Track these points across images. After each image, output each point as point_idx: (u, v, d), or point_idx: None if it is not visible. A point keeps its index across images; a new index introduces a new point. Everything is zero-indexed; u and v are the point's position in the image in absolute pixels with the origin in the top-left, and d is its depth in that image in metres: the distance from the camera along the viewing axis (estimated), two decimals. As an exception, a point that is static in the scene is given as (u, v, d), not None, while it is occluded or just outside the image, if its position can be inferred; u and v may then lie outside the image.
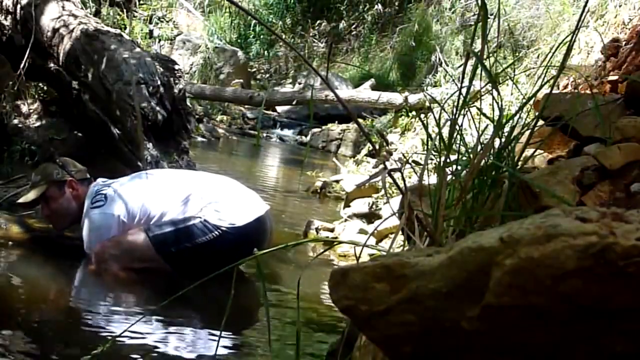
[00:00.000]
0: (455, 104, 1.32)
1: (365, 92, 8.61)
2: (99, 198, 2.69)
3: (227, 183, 2.87)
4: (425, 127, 1.48)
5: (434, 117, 1.42)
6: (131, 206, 2.65)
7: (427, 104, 6.03)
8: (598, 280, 0.66)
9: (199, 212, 2.65)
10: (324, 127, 8.96)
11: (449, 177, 1.35)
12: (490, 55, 1.51)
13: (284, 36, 12.74)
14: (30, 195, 2.75)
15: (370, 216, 4.03)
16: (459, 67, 7.68)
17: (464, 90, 1.31)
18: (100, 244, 2.62)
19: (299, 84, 11.00)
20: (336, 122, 8.96)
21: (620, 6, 4.24)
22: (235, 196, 2.78)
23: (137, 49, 3.72)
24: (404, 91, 8.25)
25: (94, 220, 2.65)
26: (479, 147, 1.36)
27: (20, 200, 2.82)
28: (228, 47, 11.44)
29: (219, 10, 12.97)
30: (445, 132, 1.34)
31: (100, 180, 2.86)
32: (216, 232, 2.62)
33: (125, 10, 6.76)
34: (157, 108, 3.41)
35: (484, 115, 1.43)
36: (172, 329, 2.27)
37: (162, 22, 10.97)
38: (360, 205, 4.30)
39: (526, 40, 6.12)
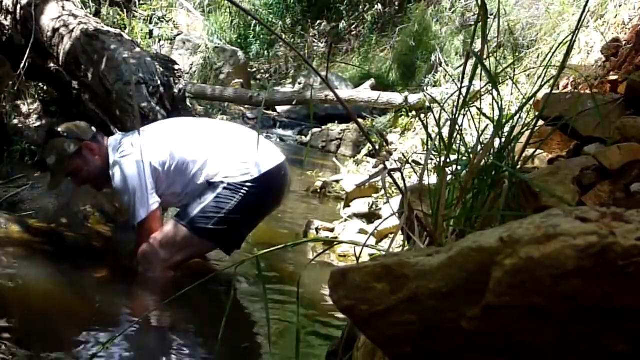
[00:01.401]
0: (455, 104, 1.32)
1: (365, 92, 8.60)
2: (126, 147, 2.65)
3: (242, 132, 2.85)
4: (425, 127, 1.48)
5: (434, 117, 1.42)
6: (159, 152, 2.62)
7: (427, 104, 6.03)
8: (598, 280, 0.66)
9: (221, 171, 2.62)
10: (324, 127, 8.95)
11: (449, 177, 1.35)
12: (490, 55, 1.51)
13: (284, 36, 12.74)
14: (57, 180, 2.73)
15: (370, 216, 4.03)
16: (459, 67, 7.67)
17: (464, 90, 1.31)
18: (139, 247, 2.62)
19: (299, 84, 10.99)
20: (336, 122, 8.95)
21: (620, 6, 4.23)
22: (253, 145, 2.73)
23: (137, 49, 3.72)
24: (404, 91, 8.24)
25: (126, 169, 2.59)
26: (479, 147, 1.36)
27: (51, 187, 2.80)
28: (228, 47, 11.44)
29: (219, 10, 12.96)
30: (445, 132, 1.34)
31: (117, 135, 2.83)
32: (242, 192, 2.61)
33: (125, 10, 6.75)
34: (157, 108, 3.41)
35: (484, 115, 1.43)
36: (172, 329, 2.27)
37: (162, 22, 10.96)
38: (360, 205, 4.30)
39: (526, 40, 6.12)
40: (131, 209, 2.61)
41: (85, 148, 2.71)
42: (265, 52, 13.51)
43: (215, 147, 2.69)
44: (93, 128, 2.83)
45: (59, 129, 2.75)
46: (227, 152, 2.67)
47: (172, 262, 2.61)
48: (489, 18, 1.34)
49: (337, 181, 5.38)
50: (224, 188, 2.61)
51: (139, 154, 2.58)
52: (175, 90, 3.66)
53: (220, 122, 2.99)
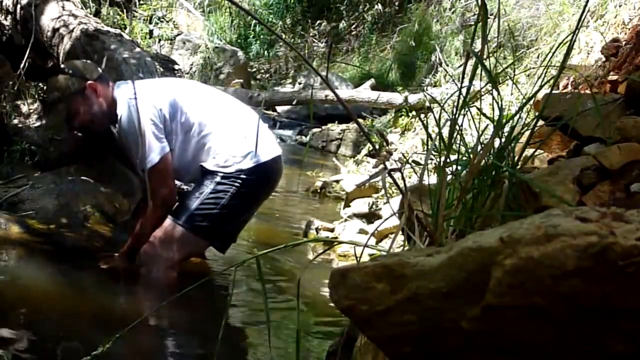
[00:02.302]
0: (455, 104, 1.32)
1: (365, 92, 8.60)
2: (137, 91, 2.51)
3: (245, 112, 2.76)
4: (425, 127, 1.48)
5: (434, 117, 1.43)
6: (169, 102, 2.54)
7: (427, 104, 6.03)
8: (598, 280, 0.66)
9: (220, 152, 2.58)
10: (324, 127, 8.95)
11: (449, 177, 1.35)
12: (490, 55, 1.51)
13: (284, 36, 12.74)
14: (56, 119, 2.60)
15: (370, 216, 4.03)
16: (459, 67, 7.67)
17: (464, 90, 1.31)
18: (154, 192, 2.49)
19: (299, 84, 10.99)
20: (336, 122, 8.95)
21: (620, 6, 4.23)
22: (254, 129, 2.68)
23: (137, 49, 3.72)
24: (404, 91, 8.24)
25: (138, 112, 2.43)
26: (479, 147, 1.36)
27: (49, 127, 2.64)
28: (228, 47, 11.43)
29: (219, 10, 12.96)
30: (445, 132, 1.34)
31: (128, 81, 2.73)
32: (237, 183, 2.58)
33: (125, 10, 6.75)
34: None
35: (484, 115, 1.42)
36: (171, 329, 2.27)
37: (162, 22, 10.96)
38: (360, 205, 4.30)
39: (526, 40, 6.12)
40: (142, 153, 2.46)
41: (89, 88, 2.55)
42: (265, 52, 13.51)
43: (221, 121, 2.62)
44: (99, 69, 2.70)
45: (63, 66, 2.59)
46: (230, 131, 2.61)
47: (173, 262, 2.61)
48: (489, 18, 1.34)
49: (337, 181, 5.38)
50: (219, 181, 2.56)
51: (152, 99, 2.48)
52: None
53: (226, 95, 2.86)
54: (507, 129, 1.41)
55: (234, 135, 2.61)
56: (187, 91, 2.67)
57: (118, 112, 2.51)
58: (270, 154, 2.67)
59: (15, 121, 3.69)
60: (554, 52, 1.72)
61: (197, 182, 2.61)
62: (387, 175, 1.29)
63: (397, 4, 12.72)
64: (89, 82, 2.56)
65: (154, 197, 2.48)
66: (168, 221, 2.60)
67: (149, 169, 2.48)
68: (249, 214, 2.80)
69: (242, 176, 2.58)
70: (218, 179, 2.57)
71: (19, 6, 3.92)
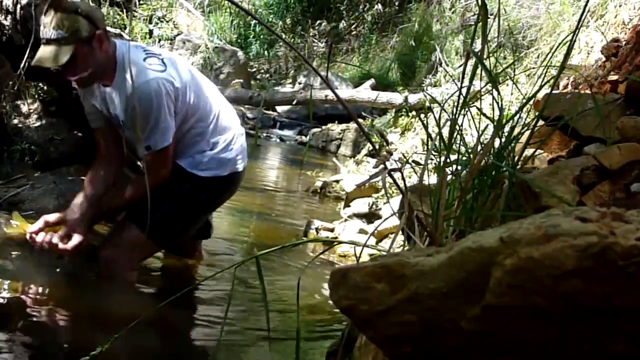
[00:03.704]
0: (455, 104, 1.32)
1: (365, 92, 8.61)
2: (156, 61, 2.33)
3: (230, 110, 2.66)
4: (425, 127, 1.49)
5: (434, 117, 1.43)
6: (184, 83, 2.38)
7: (427, 104, 6.03)
8: (598, 280, 0.66)
9: (198, 156, 2.46)
10: (324, 127, 8.95)
11: (449, 177, 1.35)
12: (490, 55, 1.51)
13: (284, 36, 12.74)
14: (62, 57, 2.25)
15: (370, 216, 4.03)
16: (459, 67, 7.67)
17: (464, 90, 1.31)
18: (156, 174, 2.33)
19: (299, 84, 11.00)
20: (336, 122, 8.96)
21: (620, 6, 4.24)
22: (238, 137, 2.59)
23: (137, 49, 3.72)
24: (404, 91, 8.25)
25: (159, 86, 2.25)
26: (479, 147, 1.36)
27: (47, 64, 2.28)
28: (228, 47, 11.45)
29: (219, 10, 12.97)
30: (445, 132, 1.34)
31: (132, 43, 2.55)
32: (208, 190, 2.47)
33: (125, 10, 6.75)
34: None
35: (484, 115, 1.43)
36: (171, 329, 2.27)
37: (162, 22, 10.96)
38: (360, 205, 4.30)
39: (526, 40, 6.12)
40: (153, 130, 2.29)
41: (97, 38, 2.33)
42: (265, 52, 13.52)
43: (214, 124, 2.52)
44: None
45: (77, 7, 2.34)
46: (219, 135, 2.52)
47: (132, 266, 2.53)
48: (489, 18, 1.34)
49: (337, 181, 5.38)
50: (192, 186, 2.44)
51: (171, 73, 2.32)
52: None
53: (220, 94, 2.70)
54: (507, 129, 1.41)
55: (221, 140, 2.53)
56: (197, 81, 2.52)
57: (135, 78, 2.27)
58: (244, 163, 2.60)
59: (15, 121, 3.69)
60: (554, 52, 1.72)
61: (167, 187, 2.40)
62: (387, 175, 1.29)
63: (397, 4, 12.73)
64: (98, 31, 2.35)
65: (154, 176, 2.32)
66: (133, 229, 2.44)
67: (160, 149, 2.33)
68: (204, 219, 2.70)
69: (215, 184, 2.49)
70: (191, 183, 2.45)
71: (19, 6, 3.92)
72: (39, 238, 2.35)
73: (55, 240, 2.34)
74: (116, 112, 2.41)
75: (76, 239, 2.35)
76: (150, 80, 2.25)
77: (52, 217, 2.39)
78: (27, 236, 2.37)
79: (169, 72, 2.31)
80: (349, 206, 4.42)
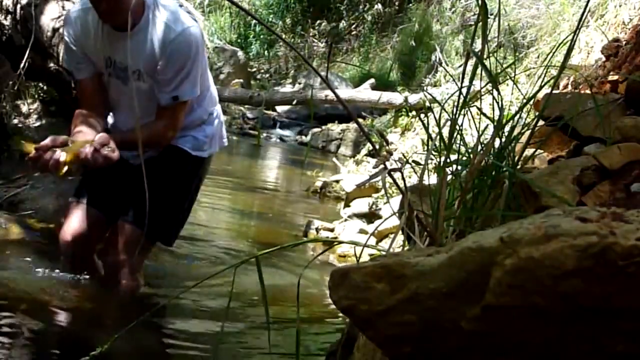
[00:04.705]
0: (455, 104, 1.32)
1: (365, 92, 8.61)
2: (190, 17, 2.22)
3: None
4: (425, 127, 1.48)
5: (434, 117, 1.43)
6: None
7: (427, 104, 6.03)
8: (598, 280, 0.66)
9: (200, 133, 2.35)
10: (324, 127, 8.96)
11: (449, 177, 1.35)
12: (491, 55, 1.51)
13: (284, 36, 12.74)
14: None
15: (370, 216, 4.03)
16: (459, 67, 7.67)
17: (464, 90, 1.31)
18: (171, 125, 2.19)
19: (299, 84, 11.01)
20: (336, 122, 8.96)
21: (620, 6, 4.24)
22: (220, 112, 2.49)
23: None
24: (404, 91, 8.25)
25: (196, 40, 2.14)
26: (479, 147, 1.36)
27: None
28: (228, 47, 11.45)
29: (219, 10, 12.98)
30: (445, 132, 1.34)
31: None
32: (200, 173, 2.40)
33: (125, 10, 6.75)
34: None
35: (484, 115, 1.42)
36: (172, 329, 2.27)
37: (162, 22, 10.95)
38: (360, 205, 4.30)
39: (526, 40, 6.12)
40: (184, 80, 2.15)
41: None
42: (265, 52, 13.52)
43: (216, 100, 2.44)
44: None
45: None
46: (214, 96, 2.43)
47: (139, 269, 2.43)
48: (489, 18, 1.34)
49: (337, 181, 5.39)
50: (190, 169, 2.34)
51: (200, 28, 2.21)
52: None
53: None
54: (507, 129, 1.41)
55: (214, 112, 2.42)
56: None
57: (173, 24, 2.14)
58: (224, 142, 2.51)
59: (15, 121, 3.70)
60: (554, 52, 1.72)
61: (161, 165, 2.25)
62: (387, 175, 1.29)
63: (397, 4, 12.73)
64: None
65: (167, 128, 2.20)
66: (134, 230, 2.31)
67: (184, 100, 2.19)
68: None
69: (206, 166, 2.39)
70: (189, 165, 2.32)
71: (19, 6, 3.92)
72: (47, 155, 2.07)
73: (88, 150, 2.03)
74: (125, 59, 2.18)
75: (115, 151, 2.04)
76: (190, 27, 2.13)
77: (61, 138, 2.15)
78: (32, 153, 2.10)
79: (199, 26, 2.20)
80: (349, 206, 4.42)
